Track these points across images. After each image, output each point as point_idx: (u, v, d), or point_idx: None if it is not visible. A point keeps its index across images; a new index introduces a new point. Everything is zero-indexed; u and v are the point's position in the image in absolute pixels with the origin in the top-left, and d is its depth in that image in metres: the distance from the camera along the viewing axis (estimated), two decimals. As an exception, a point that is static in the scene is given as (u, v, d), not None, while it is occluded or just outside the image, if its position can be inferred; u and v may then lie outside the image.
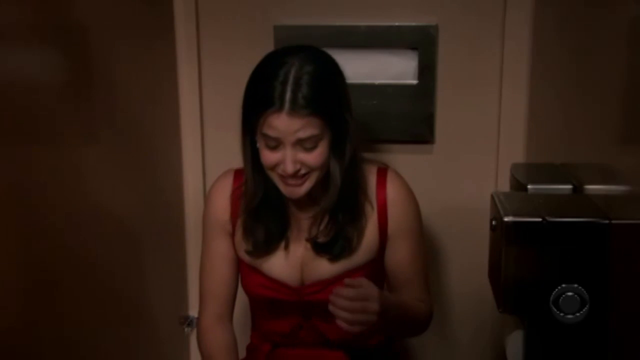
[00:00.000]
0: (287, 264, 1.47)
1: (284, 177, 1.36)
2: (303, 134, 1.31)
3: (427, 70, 1.79)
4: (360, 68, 1.77)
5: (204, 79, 1.88)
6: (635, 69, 1.01)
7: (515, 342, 1.10)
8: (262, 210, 1.45)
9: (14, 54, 1.19)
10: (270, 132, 1.32)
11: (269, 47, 1.59)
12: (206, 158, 1.92)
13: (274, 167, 1.36)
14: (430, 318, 1.53)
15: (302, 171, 1.35)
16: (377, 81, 1.81)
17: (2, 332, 1.15)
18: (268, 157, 1.35)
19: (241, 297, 1.57)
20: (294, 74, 1.30)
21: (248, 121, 1.37)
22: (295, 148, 1.32)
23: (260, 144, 1.36)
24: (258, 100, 1.33)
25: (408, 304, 1.45)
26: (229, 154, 1.63)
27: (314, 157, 1.34)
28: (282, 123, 1.30)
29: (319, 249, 1.45)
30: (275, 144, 1.33)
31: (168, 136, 1.86)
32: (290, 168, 1.33)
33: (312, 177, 1.37)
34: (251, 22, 1.83)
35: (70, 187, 1.36)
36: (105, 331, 1.51)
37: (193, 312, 1.95)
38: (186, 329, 1.95)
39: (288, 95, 1.29)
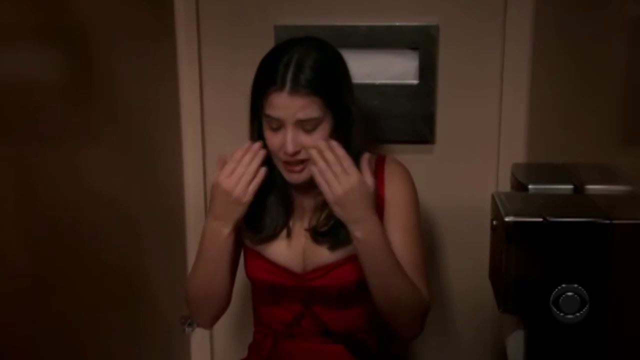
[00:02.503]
0: (290, 251, 1.50)
1: (286, 163, 1.42)
2: (303, 115, 1.37)
3: (427, 70, 1.79)
4: (361, 68, 1.76)
5: (204, 78, 1.88)
6: (635, 69, 1.01)
7: (515, 342, 1.10)
8: (268, 199, 1.49)
9: (14, 54, 1.19)
10: (272, 112, 1.38)
11: (269, 48, 1.58)
12: (206, 158, 1.92)
13: (278, 151, 1.41)
14: (425, 311, 1.46)
15: (302, 156, 1.40)
16: (378, 81, 1.81)
17: (2, 332, 1.15)
18: (272, 139, 1.40)
19: (243, 293, 1.57)
20: (297, 58, 1.38)
21: (254, 105, 1.43)
22: (296, 129, 1.38)
23: (265, 128, 1.42)
24: (262, 80, 1.41)
25: (401, 268, 1.41)
26: (229, 153, 1.64)
27: (314, 140, 1.38)
28: (283, 102, 1.36)
29: (318, 237, 1.48)
30: (278, 125, 1.39)
31: (169, 136, 1.86)
32: (290, 148, 1.37)
33: (311, 164, 1.40)
34: (251, 22, 1.83)
35: (70, 186, 1.36)
36: (105, 331, 1.51)
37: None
38: (186, 329, 1.94)
39: (290, 76, 1.36)
